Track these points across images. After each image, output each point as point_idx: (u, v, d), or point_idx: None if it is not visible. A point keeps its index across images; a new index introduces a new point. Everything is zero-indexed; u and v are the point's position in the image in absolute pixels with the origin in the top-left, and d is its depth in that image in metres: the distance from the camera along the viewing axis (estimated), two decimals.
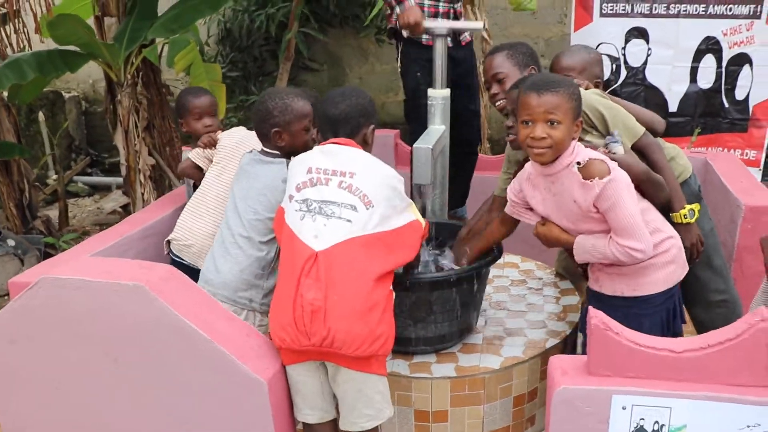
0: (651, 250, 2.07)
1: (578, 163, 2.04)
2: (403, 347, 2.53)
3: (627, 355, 1.61)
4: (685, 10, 4.50)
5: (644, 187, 2.24)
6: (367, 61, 6.73)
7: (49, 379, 2.12)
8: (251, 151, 2.51)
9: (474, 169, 3.65)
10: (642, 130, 2.45)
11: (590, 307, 1.72)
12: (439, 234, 2.77)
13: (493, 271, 3.30)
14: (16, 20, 4.72)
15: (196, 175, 2.91)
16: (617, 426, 1.62)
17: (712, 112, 4.68)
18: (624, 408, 1.61)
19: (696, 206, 2.47)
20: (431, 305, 2.44)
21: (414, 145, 2.58)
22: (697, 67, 4.62)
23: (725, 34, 4.51)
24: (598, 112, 2.38)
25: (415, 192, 2.70)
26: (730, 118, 4.67)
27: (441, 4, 3.38)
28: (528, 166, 2.26)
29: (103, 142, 7.36)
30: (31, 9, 4.36)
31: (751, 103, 4.61)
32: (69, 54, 4.26)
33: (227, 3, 4.56)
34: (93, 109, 7.56)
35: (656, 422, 1.61)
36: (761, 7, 4.43)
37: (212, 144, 2.87)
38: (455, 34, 3.32)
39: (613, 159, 2.15)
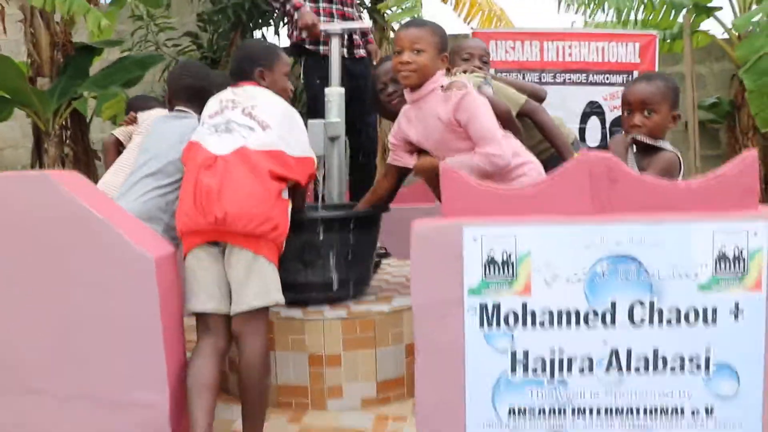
0: (509, 156, 2.36)
1: (442, 87, 2.38)
2: (296, 293, 2.66)
3: (474, 195, 1.81)
4: (570, 79, 5.11)
5: (506, 126, 2.55)
6: None
7: None
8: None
9: (373, 179, 3.87)
10: (524, 98, 2.88)
11: (441, 162, 1.94)
12: None
13: (396, 268, 3.52)
14: None
15: (116, 151, 3.18)
16: (471, 258, 1.79)
17: None
18: (475, 240, 1.79)
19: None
20: (319, 248, 2.63)
21: (309, 120, 2.86)
22: (584, 128, 5.16)
23: (606, 99, 5.12)
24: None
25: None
26: None
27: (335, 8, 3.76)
28: (404, 106, 2.56)
29: None
30: None
31: None
32: None
33: (155, 65, 4.92)
34: None
35: (504, 251, 1.79)
36: (632, 76, 5.07)
37: (133, 121, 3.21)
38: (350, 44, 3.69)
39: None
